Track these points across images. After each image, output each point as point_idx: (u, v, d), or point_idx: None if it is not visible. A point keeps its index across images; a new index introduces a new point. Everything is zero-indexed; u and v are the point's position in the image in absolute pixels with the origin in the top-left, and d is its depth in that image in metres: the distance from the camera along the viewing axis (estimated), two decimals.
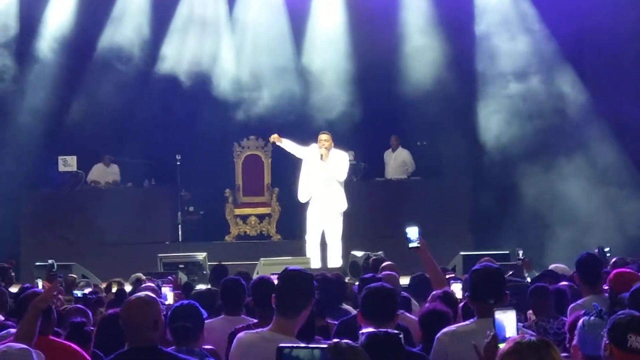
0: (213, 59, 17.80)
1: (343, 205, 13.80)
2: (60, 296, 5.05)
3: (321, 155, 13.51)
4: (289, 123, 16.59)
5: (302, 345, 2.66)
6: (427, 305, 5.98)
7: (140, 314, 4.65)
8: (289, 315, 4.77)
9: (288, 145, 14.13)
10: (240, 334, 4.93)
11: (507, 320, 3.67)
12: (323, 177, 13.64)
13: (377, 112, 17.30)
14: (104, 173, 17.71)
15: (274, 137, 14.23)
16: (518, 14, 17.09)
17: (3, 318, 6.44)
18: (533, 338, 3.14)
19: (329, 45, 17.63)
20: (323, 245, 13.92)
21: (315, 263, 13.63)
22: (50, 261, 12.03)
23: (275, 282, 5.15)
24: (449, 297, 6.36)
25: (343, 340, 2.71)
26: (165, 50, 17.87)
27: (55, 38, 17.81)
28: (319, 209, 13.81)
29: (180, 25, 18.06)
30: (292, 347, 2.63)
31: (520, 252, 11.81)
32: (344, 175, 13.77)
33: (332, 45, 17.61)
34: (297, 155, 14.07)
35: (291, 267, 5.11)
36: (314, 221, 13.91)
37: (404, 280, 9.36)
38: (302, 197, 13.94)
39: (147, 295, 4.88)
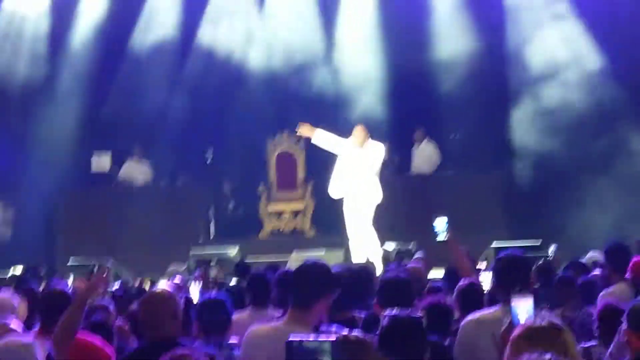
0: (244, 55, 17.84)
1: (378, 197, 13.56)
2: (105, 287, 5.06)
3: (356, 144, 13.24)
4: (321, 116, 16.54)
5: (311, 338, 2.63)
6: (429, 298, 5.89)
7: (157, 308, 4.67)
8: (302, 307, 4.69)
9: (321, 137, 13.69)
10: (253, 327, 4.89)
11: (524, 307, 3.62)
12: (358, 169, 13.41)
13: (409, 105, 17.21)
14: (135, 169, 17.79)
15: (304, 129, 13.87)
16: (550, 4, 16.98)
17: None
18: (545, 323, 3.09)
19: (360, 37, 17.59)
20: (359, 238, 13.71)
21: (356, 257, 13.39)
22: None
23: None
24: (471, 288, 6.28)
25: (352, 333, 2.67)
26: (197, 44, 17.94)
27: (89, 31, 17.96)
28: (354, 202, 13.59)
29: (212, 18, 18.10)
30: (301, 340, 2.60)
31: (553, 247, 11.67)
32: (378, 166, 13.49)
33: (363, 36, 17.57)
34: (331, 148, 13.71)
35: (308, 259, 5.08)
36: (351, 215, 13.67)
37: (438, 273, 9.32)
38: (333, 192, 13.68)
39: (164, 289, 4.90)
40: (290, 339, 2.60)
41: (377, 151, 13.49)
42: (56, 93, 17.89)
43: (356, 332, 2.72)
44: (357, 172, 13.34)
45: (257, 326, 4.90)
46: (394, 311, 4.02)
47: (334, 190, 13.54)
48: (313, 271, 4.79)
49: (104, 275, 5.22)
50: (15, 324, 5.16)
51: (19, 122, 17.65)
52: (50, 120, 17.52)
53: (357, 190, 13.38)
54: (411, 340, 3.72)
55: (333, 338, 2.60)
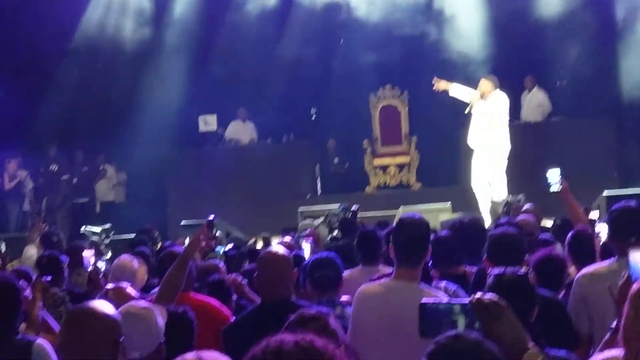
0: (346, 9, 17.76)
1: (505, 147, 13.32)
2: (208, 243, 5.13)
3: (481, 96, 13.08)
4: (424, 69, 16.39)
5: (444, 301, 2.63)
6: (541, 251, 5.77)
7: (272, 269, 4.74)
8: (410, 264, 4.70)
9: (456, 90, 13.37)
10: (363, 285, 4.90)
11: None
12: (483, 120, 13.24)
13: (515, 52, 16.91)
14: (241, 129, 17.97)
15: (440, 84, 13.45)
16: None
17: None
18: None
19: None
20: (484, 190, 13.51)
21: (484, 210, 13.22)
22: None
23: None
24: (584, 240, 6.14)
25: (486, 295, 2.66)
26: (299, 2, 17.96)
27: None
28: (481, 154, 13.41)
29: None
30: (434, 303, 2.61)
31: None
32: (502, 115, 13.25)
33: None
34: (465, 99, 13.49)
35: (405, 214, 5.07)
36: (477, 167, 13.51)
37: (547, 223, 9.20)
38: (469, 143, 13.40)
39: (278, 250, 4.96)
40: (423, 301, 2.61)
41: (499, 101, 13.25)
42: (163, 55, 18.15)
43: (490, 295, 2.70)
44: (483, 123, 13.18)
45: (367, 285, 4.90)
46: (499, 269, 4.00)
47: (470, 141, 13.38)
48: (417, 227, 4.80)
49: (207, 231, 5.25)
50: (132, 288, 5.29)
51: (129, 85, 17.95)
52: (157, 83, 17.79)
53: (483, 141, 13.21)
54: (517, 299, 3.68)
55: (466, 301, 2.60)
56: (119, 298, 4.76)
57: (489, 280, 3.86)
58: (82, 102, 17.73)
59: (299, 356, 2.39)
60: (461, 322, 2.56)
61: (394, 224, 5.03)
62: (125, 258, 6.74)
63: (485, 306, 2.57)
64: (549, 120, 16.69)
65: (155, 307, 4.06)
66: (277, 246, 5.36)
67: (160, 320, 3.99)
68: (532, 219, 7.98)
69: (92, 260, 7.08)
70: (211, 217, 5.50)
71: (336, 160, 18.05)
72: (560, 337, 4.40)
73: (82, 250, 7.88)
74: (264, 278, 4.79)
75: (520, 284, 3.87)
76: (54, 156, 18.20)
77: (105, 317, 3.25)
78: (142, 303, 4.08)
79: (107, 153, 18.31)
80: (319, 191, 16.97)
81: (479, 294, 2.62)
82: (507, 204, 11.18)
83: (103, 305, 3.34)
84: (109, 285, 5.07)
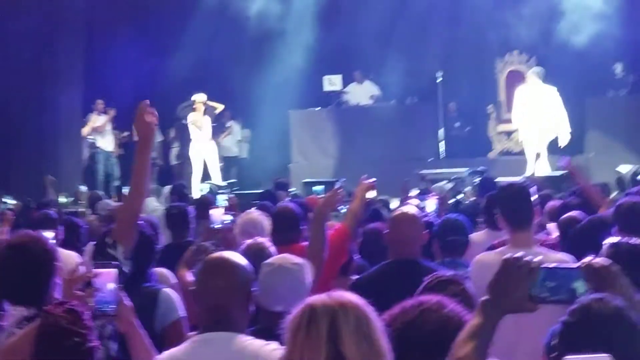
0: None
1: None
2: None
3: None
4: (551, 36, 16.09)
5: (562, 266, 2.62)
6: None
7: (405, 229, 4.82)
8: (523, 228, 4.70)
9: None
10: (479, 255, 4.89)
11: None
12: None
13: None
14: (359, 90, 18.00)
15: None
16: None
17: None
18: None
19: None
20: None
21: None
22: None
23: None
24: None
25: (597, 259, 2.64)
26: None
27: None
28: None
29: None
30: (554, 267, 2.59)
31: None
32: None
33: None
34: None
35: (513, 181, 5.06)
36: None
37: None
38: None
39: (410, 210, 5.03)
40: (543, 265, 2.59)
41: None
42: (288, 20, 18.20)
43: (601, 259, 2.67)
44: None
45: (484, 254, 4.90)
46: (617, 238, 3.91)
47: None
48: (525, 191, 4.82)
49: (339, 191, 5.34)
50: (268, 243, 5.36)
51: (255, 46, 18.14)
52: (282, 46, 17.89)
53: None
54: (634, 270, 3.62)
55: (576, 266, 2.58)
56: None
57: (604, 248, 3.79)
58: (211, 60, 17.99)
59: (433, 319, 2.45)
60: (580, 288, 2.53)
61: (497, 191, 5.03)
62: (254, 213, 6.80)
63: (596, 271, 2.56)
64: None
65: (307, 264, 4.16)
66: (409, 207, 5.43)
67: (309, 277, 4.10)
68: None
69: (222, 217, 7.04)
70: (341, 182, 5.63)
71: (457, 124, 17.94)
72: None
73: (210, 204, 7.94)
74: (396, 237, 4.87)
75: (637, 254, 3.80)
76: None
77: (241, 267, 3.36)
78: (295, 258, 4.17)
79: (233, 110, 18.56)
80: (442, 155, 16.89)
81: (588, 258, 2.60)
82: (635, 172, 10.98)
83: (237, 257, 3.45)
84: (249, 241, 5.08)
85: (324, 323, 2.47)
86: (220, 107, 17.21)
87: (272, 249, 4.84)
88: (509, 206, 4.76)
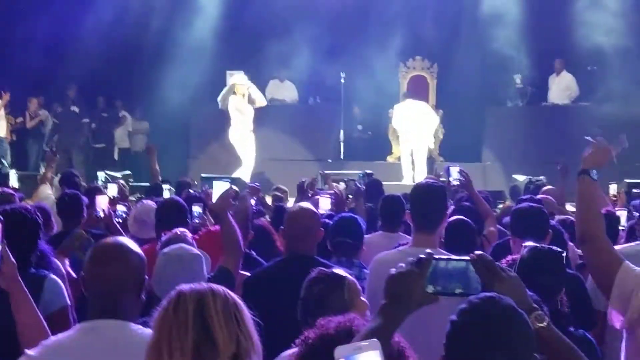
0: None
1: None
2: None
3: None
4: (455, 44, 16.34)
5: (454, 257, 2.62)
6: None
7: (301, 224, 4.79)
8: (428, 230, 4.58)
9: None
10: (380, 254, 4.79)
11: None
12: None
13: (545, 35, 16.78)
14: (279, 88, 17.97)
15: None
16: None
17: None
18: None
19: None
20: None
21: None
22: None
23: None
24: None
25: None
26: None
27: None
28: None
29: None
30: (445, 258, 2.59)
31: None
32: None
33: None
34: None
35: (422, 181, 5.04)
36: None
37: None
38: None
39: (308, 207, 5.01)
40: (435, 255, 2.59)
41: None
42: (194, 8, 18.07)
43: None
44: None
45: (383, 253, 4.79)
46: (535, 244, 3.96)
47: None
48: (434, 192, 4.68)
49: (231, 190, 5.26)
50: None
51: (156, 42, 18.01)
52: (187, 39, 17.76)
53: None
54: (550, 275, 3.67)
55: (467, 258, 2.57)
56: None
57: (523, 252, 3.82)
58: (108, 50, 17.75)
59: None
60: (473, 280, 2.54)
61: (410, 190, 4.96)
62: (150, 202, 6.79)
63: (485, 263, 2.56)
64: (577, 104, 16.59)
65: (205, 255, 4.11)
66: (307, 203, 5.38)
67: (205, 268, 4.06)
68: (552, 199, 7.99)
69: (105, 205, 7.01)
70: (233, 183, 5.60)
71: (360, 127, 18.02)
72: (580, 316, 4.40)
73: (100, 193, 7.82)
74: (292, 232, 4.84)
75: (556, 259, 3.86)
76: (73, 98, 18.33)
77: (134, 253, 3.24)
78: (192, 249, 4.12)
79: (128, 101, 18.35)
80: (342, 156, 16.96)
81: (479, 252, 2.60)
82: (529, 183, 11.18)
83: (130, 243, 3.33)
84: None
85: (191, 304, 2.52)
86: (261, 103, 15.94)
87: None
88: (415, 206, 4.67)
